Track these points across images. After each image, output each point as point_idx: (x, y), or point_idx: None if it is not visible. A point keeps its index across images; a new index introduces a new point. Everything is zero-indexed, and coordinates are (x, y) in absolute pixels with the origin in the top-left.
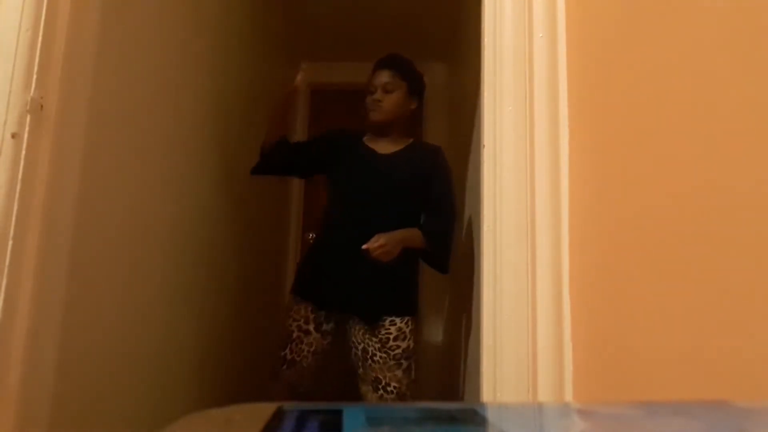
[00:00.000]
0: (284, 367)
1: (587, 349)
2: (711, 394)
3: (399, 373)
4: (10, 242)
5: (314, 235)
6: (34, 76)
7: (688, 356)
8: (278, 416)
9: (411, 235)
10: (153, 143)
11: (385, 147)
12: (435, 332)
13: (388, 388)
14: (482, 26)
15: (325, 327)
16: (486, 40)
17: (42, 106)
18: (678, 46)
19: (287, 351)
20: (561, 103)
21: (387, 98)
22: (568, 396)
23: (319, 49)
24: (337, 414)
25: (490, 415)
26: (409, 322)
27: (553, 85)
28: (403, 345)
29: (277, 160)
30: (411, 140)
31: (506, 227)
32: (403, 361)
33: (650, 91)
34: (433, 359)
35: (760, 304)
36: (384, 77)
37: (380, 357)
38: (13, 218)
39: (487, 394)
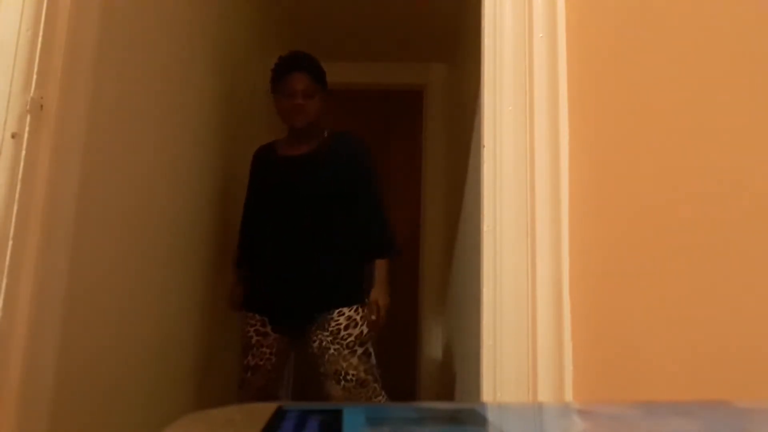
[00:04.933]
0: (249, 374)
1: (587, 349)
2: (711, 394)
3: (354, 360)
4: (10, 242)
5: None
6: (34, 76)
7: (688, 356)
8: (278, 416)
9: (383, 275)
10: (153, 143)
11: (301, 149)
12: (435, 333)
13: (348, 377)
14: (482, 26)
15: (282, 325)
16: (486, 40)
17: (42, 106)
18: (678, 46)
19: (249, 357)
20: (561, 103)
21: (309, 102)
22: (568, 396)
23: (318, 49)
24: (337, 414)
25: (490, 415)
26: (359, 310)
27: (553, 85)
28: (355, 332)
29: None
30: (325, 133)
31: (506, 227)
32: (357, 348)
33: (651, 90)
34: (433, 360)
35: (760, 304)
36: (302, 82)
37: (334, 349)
38: (13, 218)
39: (487, 394)
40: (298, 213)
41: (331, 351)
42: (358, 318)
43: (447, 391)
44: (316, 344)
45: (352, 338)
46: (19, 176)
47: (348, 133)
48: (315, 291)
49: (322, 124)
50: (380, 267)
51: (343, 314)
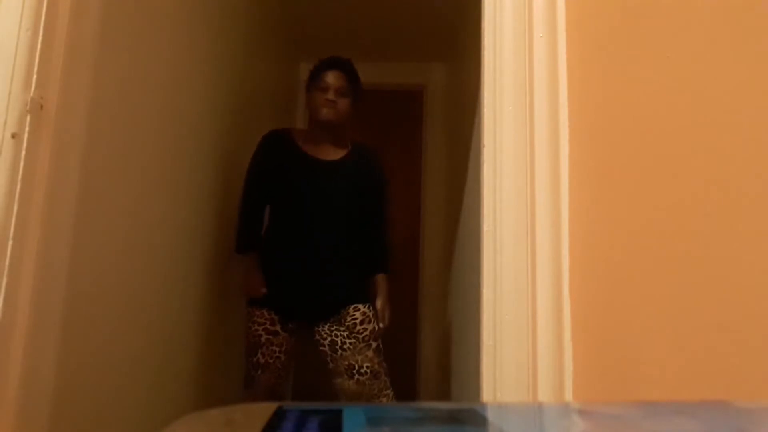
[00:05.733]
0: (259, 372)
1: (587, 349)
2: (711, 394)
3: (370, 353)
4: (10, 242)
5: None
6: (34, 76)
7: (688, 356)
8: (278, 416)
9: (386, 288)
10: (153, 143)
11: (326, 153)
12: (435, 334)
13: (362, 370)
14: (482, 26)
15: (290, 325)
16: (486, 40)
17: (42, 106)
18: (678, 46)
19: (259, 356)
20: (561, 103)
21: (341, 101)
22: (568, 396)
23: (318, 49)
24: (337, 414)
25: (490, 415)
26: (370, 307)
27: (553, 85)
28: (369, 327)
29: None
30: (350, 145)
31: (506, 227)
32: (372, 342)
33: (650, 90)
34: (432, 360)
35: (759, 304)
36: (339, 80)
37: (350, 343)
38: (13, 218)
39: (487, 394)
40: (323, 215)
41: (347, 345)
42: (370, 315)
43: (447, 391)
44: (328, 341)
45: (367, 332)
46: (19, 176)
47: (367, 145)
48: (331, 290)
49: (348, 134)
50: (382, 280)
51: (359, 310)
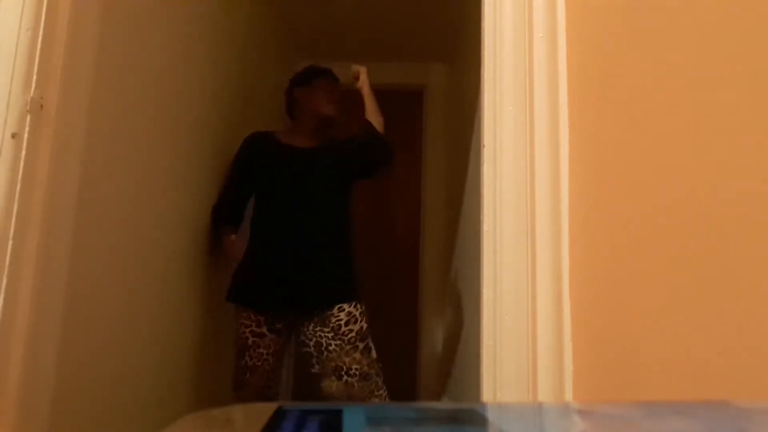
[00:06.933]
0: (248, 375)
1: (587, 349)
2: (711, 394)
3: (357, 355)
4: (10, 242)
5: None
6: (34, 76)
7: (689, 356)
8: (278, 416)
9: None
10: (153, 143)
11: (303, 142)
12: (435, 332)
13: (351, 372)
14: (482, 26)
15: (278, 326)
16: (486, 40)
17: (42, 106)
18: (678, 46)
19: (246, 358)
20: (561, 103)
21: (338, 102)
22: (568, 396)
23: (318, 48)
24: (337, 414)
25: (490, 415)
26: (358, 306)
27: (553, 85)
28: (356, 328)
29: (229, 218)
30: (329, 138)
31: (506, 227)
32: (358, 343)
33: (650, 90)
34: (432, 360)
35: (760, 303)
36: (337, 88)
37: (335, 345)
38: (13, 218)
39: (487, 394)
40: (300, 207)
41: (332, 347)
42: (357, 314)
43: (447, 391)
44: (313, 342)
45: (353, 334)
46: (19, 176)
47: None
48: (316, 286)
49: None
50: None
51: (344, 310)
